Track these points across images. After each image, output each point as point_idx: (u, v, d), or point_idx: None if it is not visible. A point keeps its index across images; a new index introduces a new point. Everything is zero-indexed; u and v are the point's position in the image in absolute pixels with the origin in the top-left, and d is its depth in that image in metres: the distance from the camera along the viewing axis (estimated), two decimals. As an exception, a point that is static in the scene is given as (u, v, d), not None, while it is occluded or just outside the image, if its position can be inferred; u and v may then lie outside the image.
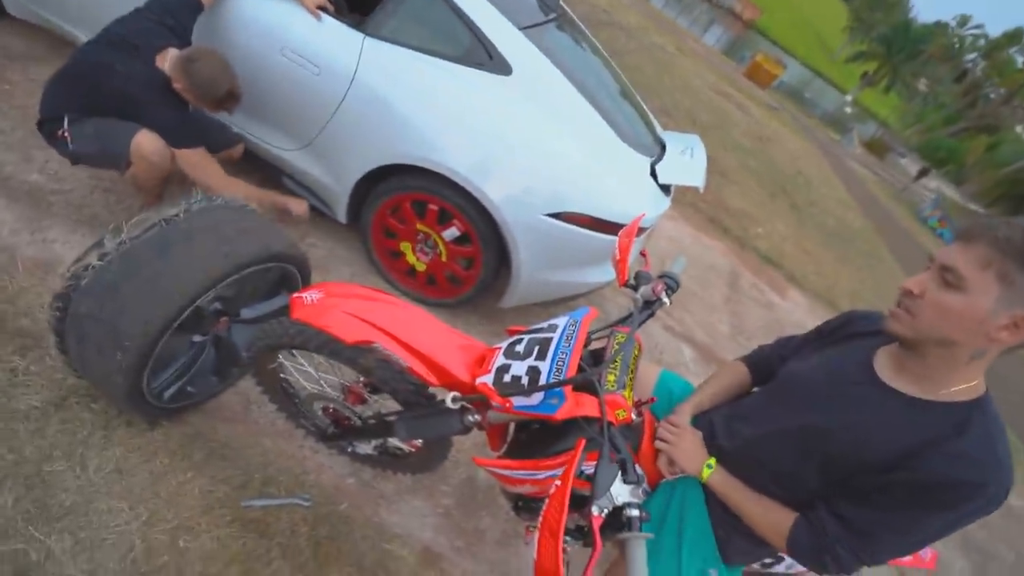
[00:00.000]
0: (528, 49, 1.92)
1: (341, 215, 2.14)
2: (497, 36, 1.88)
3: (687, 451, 1.06)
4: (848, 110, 31.57)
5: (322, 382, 1.32)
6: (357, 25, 1.91)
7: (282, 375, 1.44)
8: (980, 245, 0.77)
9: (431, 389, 1.13)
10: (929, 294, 0.81)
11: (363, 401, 1.31)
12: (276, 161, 2.14)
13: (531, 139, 1.90)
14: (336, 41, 1.88)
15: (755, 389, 1.23)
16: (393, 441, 1.45)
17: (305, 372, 1.40)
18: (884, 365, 0.92)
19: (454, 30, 1.90)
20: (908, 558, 1.33)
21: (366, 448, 1.42)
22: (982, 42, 32.27)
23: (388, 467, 1.58)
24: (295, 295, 1.14)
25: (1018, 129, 25.20)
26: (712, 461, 1.05)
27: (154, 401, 1.35)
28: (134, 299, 1.13)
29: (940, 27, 35.18)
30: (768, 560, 1.30)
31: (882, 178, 17.22)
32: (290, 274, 1.52)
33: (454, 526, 1.72)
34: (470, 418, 1.04)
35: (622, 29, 9.05)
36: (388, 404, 1.26)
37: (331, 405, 1.33)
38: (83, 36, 1.99)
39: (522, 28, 1.95)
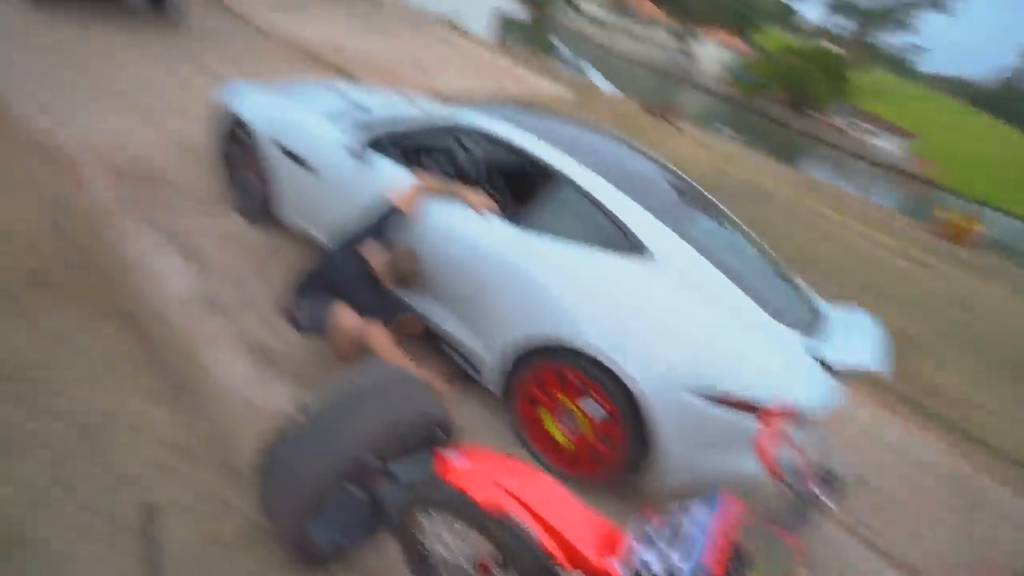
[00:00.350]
0: (664, 233, 2.06)
1: (495, 387, 2.33)
2: (634, 223, 2.08)
3: None
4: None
5: (455, 550, 1.35)
6: (512, 219, 2.29)
7: (421, 538, 1.50)
8: None
9: (558, 569, 1.09)
10: None
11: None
12: (446, 336, 2.48)
13: (672, 318, 1.95)
14: (495, 235, 2.26)
15: None
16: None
17: (442, 539, 1.45)
18: None
19: (595, 220, 2.15)
20: None
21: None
22: None
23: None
24: (439, 451, 1.26)
25: None
26: None
27: (309, 545, 1.49)
28: (313, 451, 1.36)
29: None
30: None
31: None
32: (438, 437, 1.67)
33: None
34: None
35: (776, 200, 9.11)
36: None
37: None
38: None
39: (659, 213, 2.13)
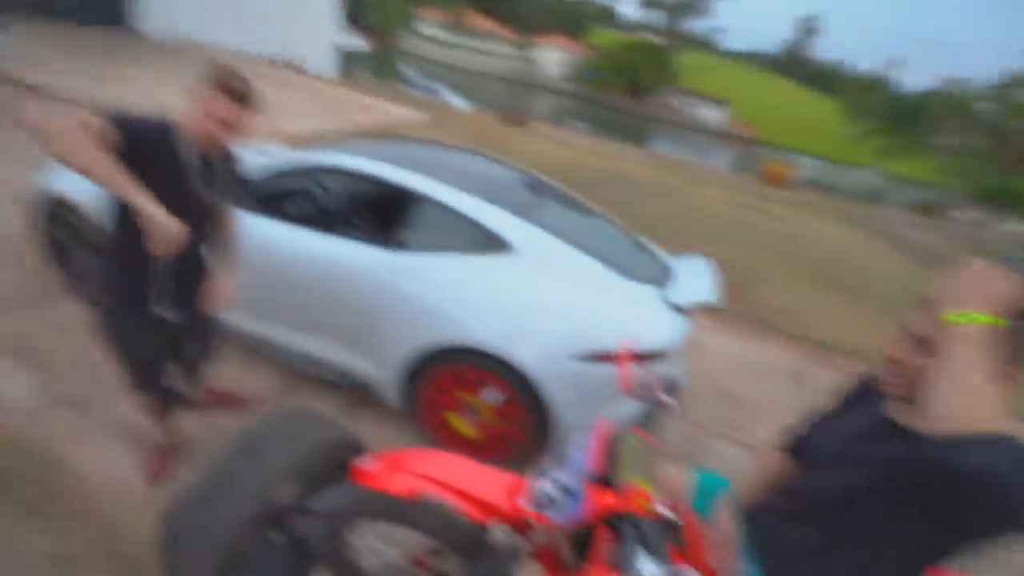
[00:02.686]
0: (521, 226, 2.30)
1: (395, 401, 2.41)
2: (494, 223, 2.29)
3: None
4: (878, 183, 31.61)
5: (387, 555, 1.42)
6: (383, 242, 2.39)
7: (350, 557, 1.55)
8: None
9: (482, 531, 1.22)
10: (914, 362, 0.89)
11: (429, 569, 1.40)
12: (333, 365, 2.51)
13: (543, 299, 2.18)
14: (369, 260, 2.34)
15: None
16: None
17: (374, 549, 1.51)
18: (901, 416, 0.96)
19: (459, 228, 2.33)
20: None
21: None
22: (986, 91, 32.99)
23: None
24: (354, 464, 1.33)
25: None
26: None
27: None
28: (220, 504, 1.35)
29: (933, 93, 36.69)
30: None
31: (940, 236, 16.39)
32: (348, 462, 1.71)
33: None
34: (519, 547, 1.12)
35: (629, 180, 10.11)
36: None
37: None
38: None
39: (516, 211, 2.37)
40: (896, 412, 0.96)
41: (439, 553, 1.41)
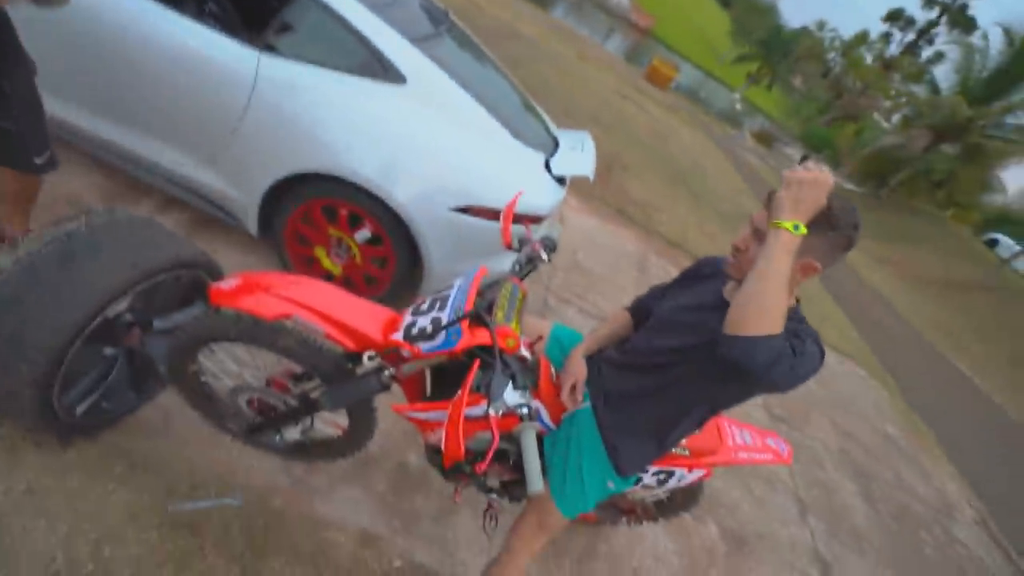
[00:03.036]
0: (420, 60, 2.07)
1: (252, 227, 2.18)
2: (389, 48, 2.02)
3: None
4: (738, 107, 34.66)
5: (245, 376, 1.39)
6: (251, 41, 1.98)
7: (203, 378, 1.49)
8: None
9: (350, 357, 1.24)
10: (750, 249, 1.06)
11: (287, 390, 1.40)
12: (175, 177, 2.14)
13: (430, 142, 2.05)
14: (231, 57, 1.94)
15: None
16: (320, 427, 1.54)
17: (227, 369, 1.47)
18: (731, 293, 1.17)
19: (347, 44, 2.01)
20: (768, 456, 1.62)
21: (294, 434, 1.49)
22: (838, 43, 37.02)
23: (319, 457, 1.65)
24: (213, 285, 1.21)
25: (875, 116, 28.95)
26: None
27: (66, 417, 1.35)
28: (38, 310, 1.15)
29: (805, 32, 39.89)
30: (662, 476, 1.53)
31: (771, 165, 19.08)
32: (203, 282, 1.56)
33: (389, 509, 1.82)
34: (387, 373, 1.18)
35: (525, 40, 9.46)
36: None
37: (255, 395, 1.40)
38: None
39: (413, 40, 2.10)
40: (729, 293, 1.18)
41: (301, 377, 1.42)
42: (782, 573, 2.54)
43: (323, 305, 1.19)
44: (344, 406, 1.31)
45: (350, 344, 1.21)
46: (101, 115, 2.08)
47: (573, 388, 1.29)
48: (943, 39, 28.79)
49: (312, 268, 2.27)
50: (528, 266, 1.37)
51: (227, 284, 1.21)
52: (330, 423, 1.56)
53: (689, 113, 16.61)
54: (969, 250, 18.37)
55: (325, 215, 2.11)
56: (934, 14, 30.35)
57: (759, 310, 0.92)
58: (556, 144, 2.62)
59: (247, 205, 2.12)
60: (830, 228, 0.98)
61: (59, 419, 1.33)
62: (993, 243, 19.74)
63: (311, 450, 1.62)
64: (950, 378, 8.81)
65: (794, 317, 1.06)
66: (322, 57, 2.00)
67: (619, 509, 1.91)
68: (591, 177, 2.50)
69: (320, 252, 2.22)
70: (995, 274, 15.85)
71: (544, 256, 1.36)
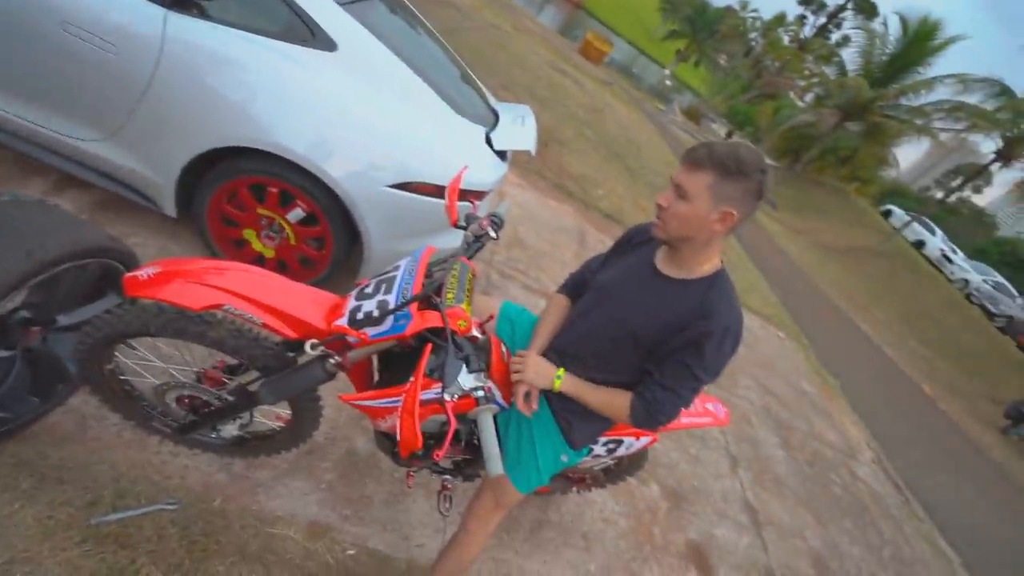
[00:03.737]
0: (352, 25, 1.93)
1: (169, 208, 1.98)
2: (317, 11, 1.87)
3: (538, 373, 1.25)
4: (668, 83, 35.66)
5: (171, 371, 1.28)
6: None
7: (122, 377, 1.35)
8: (691, 164, 1.06)
9: (290, 346, 1.17)
10: (671, 206, 1.09)
11: (221, 384, 1.31)
12: (74, 154, 1.89)
13: (365, 114, 1.94)
14: (131, 16, 1.72)
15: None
16: (260, 420, 1.46)
17: (149, 366, 1.34)
18: (661, 261, 1.21)
19: (268, 3, 1.84)
20: (708, 419, 1.72)
21: (232, 430, 1.40)
22: (759, 23, 38.86)
23: (261, 452, 1.57)
24: (128, 274, 1.09)
25: (791, 95, 30.88)
26: (560, 372, 1.26)
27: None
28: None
29: (729, 11, 41.43)
30: (612, 446, 1.59)
31: (698, 140, 19.93)
32: (115, 272, 1.40)
33: (339, 497, 1.77)
34: (331, 362, 1.12)
35: (456, 8, 9.14)
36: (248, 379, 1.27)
37: (185, 393, 1.30)
38: None
39: (343, 4, 1.96)
40: (660, 260, 1.21)
41: (237, 369, 1.33)
42: (717, 522, 2.75)
43: (257, 292, 1.10)
44: (286, 398, 1.24)
45: (290, 333, 1.13)
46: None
47: (528, 396, 1.26)
48: (850, 24, 30.91)
49: (242, 251, 2.11)
50: (476, 244, 1.34)
51: (144, 273, 1.09)
52: (271, 415, 1.48)
53: (622, 88, 16.89)
54: (868, 221, 20.31)
55: (253, 194, 1.96)
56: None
57: (612, 414, 1.23)
58: (496, 118, 2.57)
59: (162, 184, 1.92)
60: (741, 175, 1.03)
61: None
62: (888, 214, 21.91)
63: (252, 444, 1.53)
64: (852, 335, 9.80)
65: (714, 284, 1.12)
66: (241, 19, 1.82)
67: (569, 479, 1.98)
68: (533, 152, 2.48)
69: (249, 234, 2.06)
70: (889, 241, 17.67)
71: (492, 233, 1.34)
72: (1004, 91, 15.55)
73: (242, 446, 1.53)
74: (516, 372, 1.26)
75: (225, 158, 1.88)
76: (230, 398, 1.26)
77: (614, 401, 1.22)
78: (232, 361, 1.30)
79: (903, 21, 18.64)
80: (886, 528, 3.85)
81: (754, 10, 40.63)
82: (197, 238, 2.14)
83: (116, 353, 1.26)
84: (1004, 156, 15.57)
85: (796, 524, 3.18)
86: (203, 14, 1.79)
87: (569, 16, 37.10)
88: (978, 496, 6.47)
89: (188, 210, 2.03)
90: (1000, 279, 18.50)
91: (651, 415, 1.16)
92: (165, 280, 1.06)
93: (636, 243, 1.33)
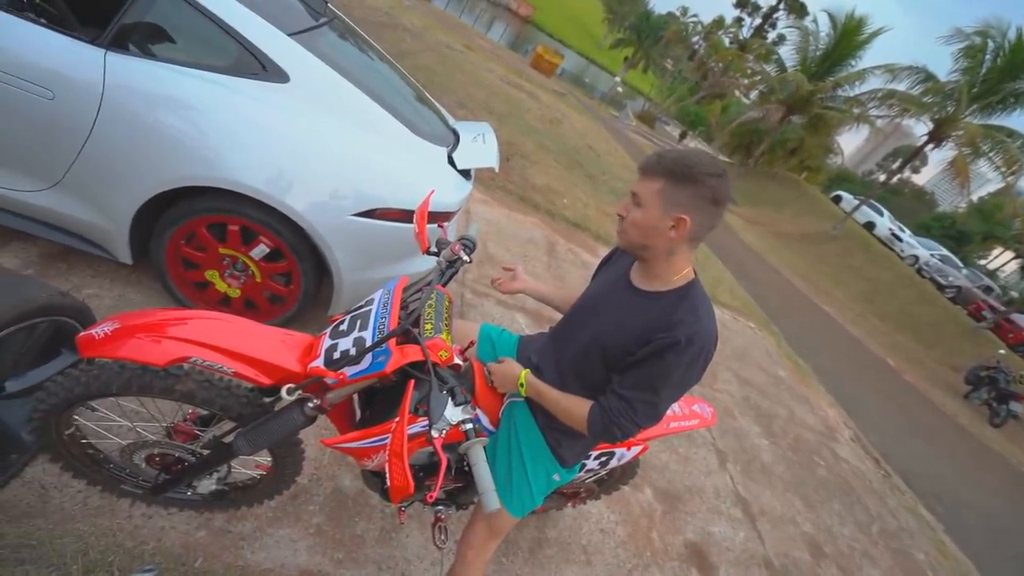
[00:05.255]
0: (303, 55, 1.90)
1: (123, 255, 1.89)
2: (265, 43, 1.83)
3: (504, 374, 1.26)
4: (619, 90, 36.63)
5: (138, 430, 1.20)
6: (93, 40, 1.69)
7: (84, 440, 1.27)
8: (643, 172, 1.07)
9: (265, 392, 1.12)
10: (629, 215, 1.10)
11: (193, 437, 1.24)
12: (13, 206, 1.79)
13: (323, 143, 1.90)
14: (68, 59, 1.64)
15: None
16: (238, 470, 1.39)
17: (113, 426, 1.26)
18: (635, 274, 1.21)
19: (214, 40, 1.79)
20: (695, 421, 1.73)
21: (209, 485, 1.32)
22: (700, 28, 40.49)
23: (242, 503, 1.49)
24: (83, 333, 1.02)
25: (737, 93, 32.19)
26: (523, 373, 1.25)
27: None
28: None
29: (671, 17, 43.09)
30: (604, 459, 1.58)
31: (655, 143, 20.47)
32: (67, 329, 1.32)
33: (329, 540, 1.69)
34: (310, 405, 1.07)
35: (407, 30, 9.18)
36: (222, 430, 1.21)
37: (155, 451, 1.22)
38: None
39: (292, 34, 1.92)
40: (633, 274, 1.21)
41: (210, 420, 1.26)
42: (712, 518, 2.77)
43: (224, 340, 1.05)
44: (265, 447, 1.18)
45: (264, 380, 1.08)
46: None
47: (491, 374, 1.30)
48: (783, 23, 32.49)
49: (206, 293, 2.02)
50: (450, 270, 1.32)
51: (99, 331, 1.02)
52: (251, 464, 1.41)
53: (576, 98, 17.25)
54: (821, 207, 21.21)
55: (213, 233, 1.89)
56: (774, 0, 34.10)
57: (570, 422, 1.20)
58: (456, 137, 2.57)
59: (114, 231, 1.83)
60: (690, 181, 1.03)
61: None
62: (838, 199, 22.95)
63: (232, 497, 1.45)
64: (817, 318, 10.15)
65: (685, 296, 1.10)
66: (188, 56, 1.77)
67: (564, 495, 1.95)
68: (496, 168, 2.49)
69: (212, 275, 1.98)
70: (841, 225, 18.48)
71: (465, 257, 1.33)
72: (928, 77, 16.56)
73: (221, 499, 1.44)
74: (490, 375, 1.29)
75: (182, 198, 1.81)
76: (204, 452, 1.20)
77: (573, 409, 1.19)
78: (204, 412, 1.23)
79: (831, 18, 19.73)
80: (872, 504, 3.96)
81: (694, 15, 42.39)
82: (157, 283, 2.05)
83: (75, 416, 1.18)
84: (935, 137, 16.51)
85: (788, 511, 3.23)
86: (146, 53, 1.73)
87: (519, 31, 37.82)
88: (951, 462, 6.74)
89: (146, 255, 1.94)
90: (946, 252, 19.56)
91: (606, 425, 1.13)
92: (123, 336, 0.99)
93: (616, 259, 1.34)
